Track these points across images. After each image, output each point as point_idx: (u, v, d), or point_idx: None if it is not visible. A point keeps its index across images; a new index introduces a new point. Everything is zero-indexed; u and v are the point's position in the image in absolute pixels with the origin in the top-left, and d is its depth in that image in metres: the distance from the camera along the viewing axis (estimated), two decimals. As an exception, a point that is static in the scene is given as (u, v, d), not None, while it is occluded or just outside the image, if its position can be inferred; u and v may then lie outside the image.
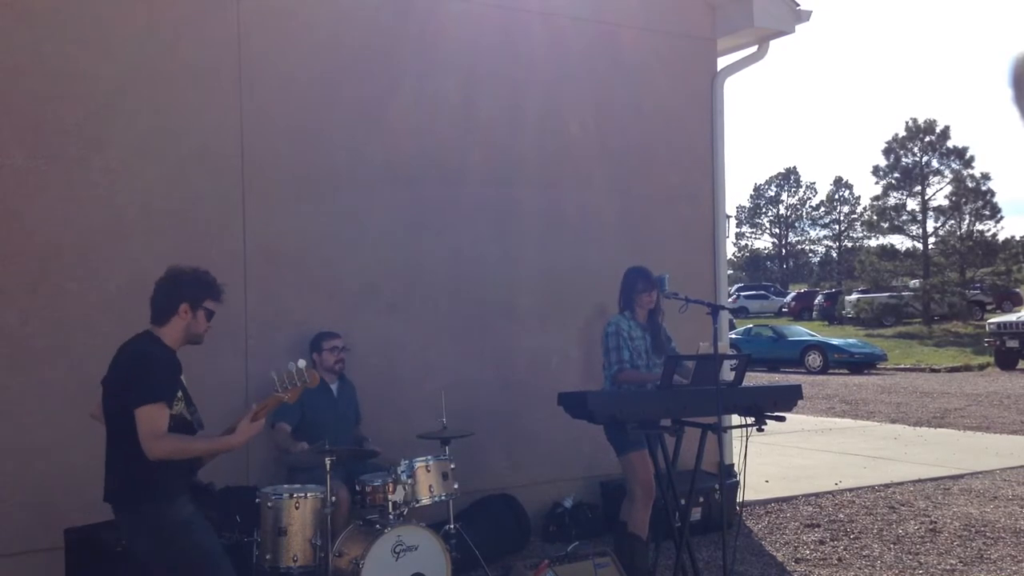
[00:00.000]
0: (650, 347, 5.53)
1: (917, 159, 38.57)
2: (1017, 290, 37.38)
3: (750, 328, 27.43)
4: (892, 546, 6.40)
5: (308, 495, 4.72)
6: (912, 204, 38.28)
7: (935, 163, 38.42)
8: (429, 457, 5.17)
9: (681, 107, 7.63)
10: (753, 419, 5.00)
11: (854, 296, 38.89)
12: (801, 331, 27.25)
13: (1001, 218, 37.06)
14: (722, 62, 7.90)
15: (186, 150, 5.68)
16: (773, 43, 7.78)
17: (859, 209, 64.67)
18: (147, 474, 3.43)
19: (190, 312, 3.63)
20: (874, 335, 32.39)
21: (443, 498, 5.17)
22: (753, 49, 7.83)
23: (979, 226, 37.17)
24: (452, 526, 5.27)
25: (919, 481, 8.64)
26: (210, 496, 3.72)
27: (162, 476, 3.46)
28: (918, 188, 38.14)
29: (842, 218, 70.59)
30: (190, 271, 3.71)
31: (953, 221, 37.53)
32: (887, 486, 8.42)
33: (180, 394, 3.58)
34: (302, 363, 3.70)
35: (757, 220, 75.18)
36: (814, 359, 24.11)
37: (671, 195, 7.51)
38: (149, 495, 3.47)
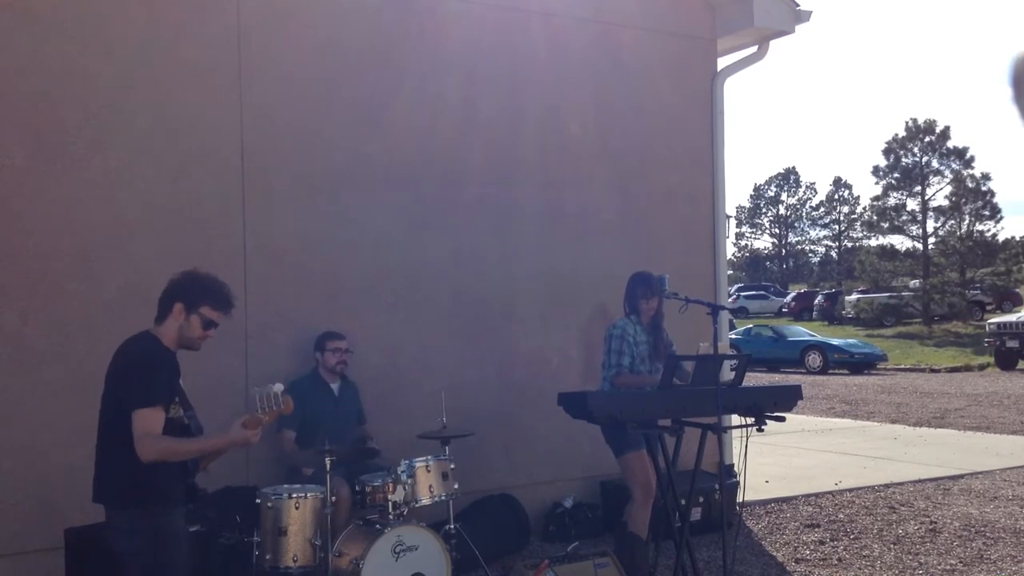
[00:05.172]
0: (652, 352, 5.56)
1: (917, 159, 38.54)
2: (1017, 290, 37.38)
3: (750, 328, 27.41)
4: (892, 546, 6.40)
5: (308, 495, 4.73)
6: (912, 204, 38.30)
7: (935, 163, 38.40)
8: (429, 457, 5.17)
9: (681, 107, 7.63)
10: (753, 419, 5.00)
11: (854, 296, 38.88)
12: (801, 331, 27.23)
13: (1001, 218, 37.04)
14: (722, 62, 7.91)
15: (186, 150, 5.68)
16: (773, 43, 7.79)
17: (859, 209, 64.71)
18: (146, 476, 3.39)
19: (184, 314, 3.56)
20: (874, 335, 32.38)
21: (443, 498, 5.17)
22: (753, 49, 7.84)
23: (979, 226, 37.14)
24: (452, 526, 5.27)
25: (919, 481, 8.64)
26: (202, 499, 3.67)
27: (160, 479, 3.43)
28: (918, 188, 38.11)
29: (842, 218, 70.61)
30: (202, 275, 3.65)
31: (953, 221, 37.49)
32: (887, 486, 8.42)
33: (177, 398, 3.54)
34: (279, 387, 3.57)
35: (757, 220, 75.19)
36: (814, 359, 24.10)
37: (671, 195, 7.51)
38: (148, 498, 3.44)
